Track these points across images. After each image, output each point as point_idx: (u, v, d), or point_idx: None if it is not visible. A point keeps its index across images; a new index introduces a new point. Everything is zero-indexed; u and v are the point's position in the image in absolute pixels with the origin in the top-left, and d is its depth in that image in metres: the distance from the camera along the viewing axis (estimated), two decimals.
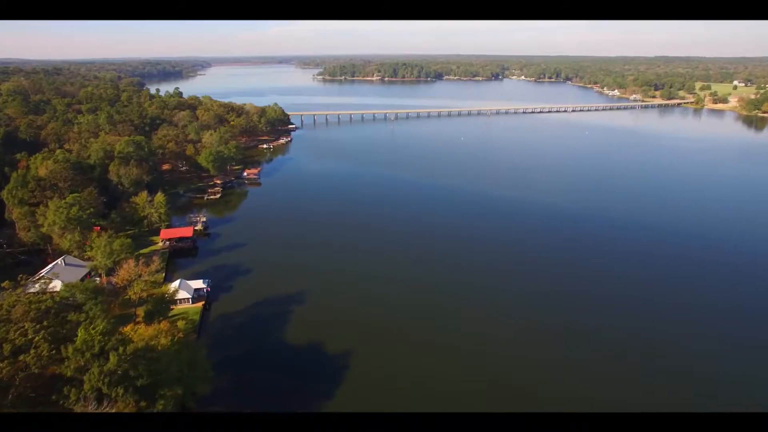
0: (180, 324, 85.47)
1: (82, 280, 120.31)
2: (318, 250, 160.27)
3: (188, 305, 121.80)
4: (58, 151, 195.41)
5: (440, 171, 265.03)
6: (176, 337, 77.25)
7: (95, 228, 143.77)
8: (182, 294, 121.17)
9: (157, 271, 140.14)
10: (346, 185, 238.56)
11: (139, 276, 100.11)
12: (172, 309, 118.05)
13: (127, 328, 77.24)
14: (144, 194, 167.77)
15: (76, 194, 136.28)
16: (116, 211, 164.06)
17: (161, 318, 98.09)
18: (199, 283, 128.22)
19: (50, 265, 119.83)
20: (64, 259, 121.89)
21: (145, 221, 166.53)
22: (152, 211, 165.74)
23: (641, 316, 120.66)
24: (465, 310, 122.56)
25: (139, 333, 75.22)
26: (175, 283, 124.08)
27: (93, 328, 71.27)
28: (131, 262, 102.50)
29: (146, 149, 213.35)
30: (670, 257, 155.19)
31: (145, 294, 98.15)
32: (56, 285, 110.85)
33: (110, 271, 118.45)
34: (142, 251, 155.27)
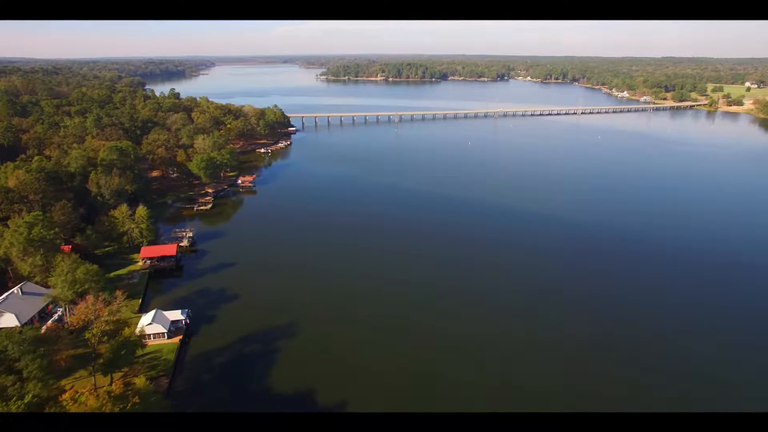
0: (139, 382, 70.32)
1: (40, 313, 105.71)
2: (315, 270, 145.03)
3: (163, 341, 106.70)
4: (36, 157, 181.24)
5: (448, 180, 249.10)
6: (130, 404, 61.92)
7: (65, 247, 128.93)
8: (156, 328, 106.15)
9: (134, 297, 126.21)
10: (347, 195, 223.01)
11: (97, 317, 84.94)
12: (146, 345, 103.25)
13: (67, 395, 62.20)
14: (124, 207, 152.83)
15: (37, 213, 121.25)
16: (92, 227, 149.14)
17: (125, 366, 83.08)
18: (177, 314, 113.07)
19: (4, 295, 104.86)
20: (21, 288, 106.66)
21: (125, 237, 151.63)
22: (133, 226, 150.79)
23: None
24: (483, 350, 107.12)
25: (81, 402, 60.10)
26: (149, 315, 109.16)
27: (17, 400, 56.07)
28: (90, 299, 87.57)
29: (132, 156, 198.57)
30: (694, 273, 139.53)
31: (105, 338, 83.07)
32: (8, 320, 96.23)
33: (74, 303, 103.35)
34: (119, 271, 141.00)
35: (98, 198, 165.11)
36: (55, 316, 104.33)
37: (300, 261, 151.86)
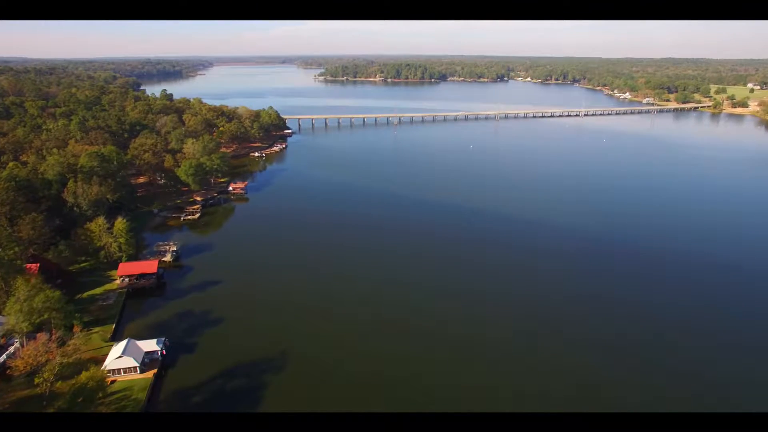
0: None
1: None
2: (310, 289, 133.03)
3: (135, 376, 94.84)
4: (10, 164, 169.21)
5: (450, 187, 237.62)
6: None
7: (32, 266, 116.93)
8: (127, 362, 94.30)
9: (107, 321, 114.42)
10: (345, 203, 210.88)
11: (48, 360, 72.90)
12: (114, 382, 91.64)
13: None
14: (100, 220, 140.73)
15: None
16: (66, 241, 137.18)
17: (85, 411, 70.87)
18: (152, 344, 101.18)
19: None
20: None
21: (102, 252, 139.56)
22: (110, 240, 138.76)
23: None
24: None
25: None
26: (120, 346, 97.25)
27: None
28: (41, 338, 75.71)
29: (115, 162, 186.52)
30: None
31: (59, 383, 71.19)
32: None
33: (32, 335, 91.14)
34: (94, 291, 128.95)
35: (75, 209, 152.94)
36: (11, 349, 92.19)
37: (293, 278, 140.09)
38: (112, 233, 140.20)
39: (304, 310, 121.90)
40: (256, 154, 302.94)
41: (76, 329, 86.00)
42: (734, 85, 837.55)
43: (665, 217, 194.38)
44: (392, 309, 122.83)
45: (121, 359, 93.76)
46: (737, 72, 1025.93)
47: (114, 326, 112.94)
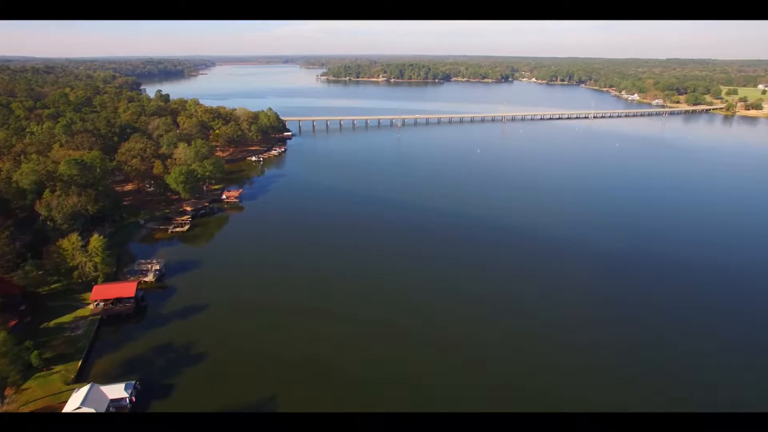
0: None
1: None
2: (309, 314, 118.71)
3: None
4: None
5: (458, 196, 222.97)
6: None
7: None
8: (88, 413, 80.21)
9: (73, 357, 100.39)
10: (346, 213, 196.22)
11: None
12: None
13: None
14: (74, 237, 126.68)
15: None
16: (35, 261, 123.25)
17: None
18: (119, 390, 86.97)
19: None
20: None
21: (76, 272, 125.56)
22: (85, 259, 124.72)
23: None
24: None
25: None
26: (80, 394, 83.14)
27: None
28: None
29: (99, 169, 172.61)
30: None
31: None
32: None
33: None
34: (63, 318, 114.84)
35: (48, 222, 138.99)
36: None
37: (289, 301, 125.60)
38: (87, 251, 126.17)
39: (301, 342, 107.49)
40: (254, 158, 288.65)
41: (8, 391, 71.57)
42: (744, 86, 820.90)
43: (681, 221, 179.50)
44: (401, 334, 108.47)
45: (79, 411, 79.64)
46: (746, 72, 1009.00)
47: (80, 363, 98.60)
